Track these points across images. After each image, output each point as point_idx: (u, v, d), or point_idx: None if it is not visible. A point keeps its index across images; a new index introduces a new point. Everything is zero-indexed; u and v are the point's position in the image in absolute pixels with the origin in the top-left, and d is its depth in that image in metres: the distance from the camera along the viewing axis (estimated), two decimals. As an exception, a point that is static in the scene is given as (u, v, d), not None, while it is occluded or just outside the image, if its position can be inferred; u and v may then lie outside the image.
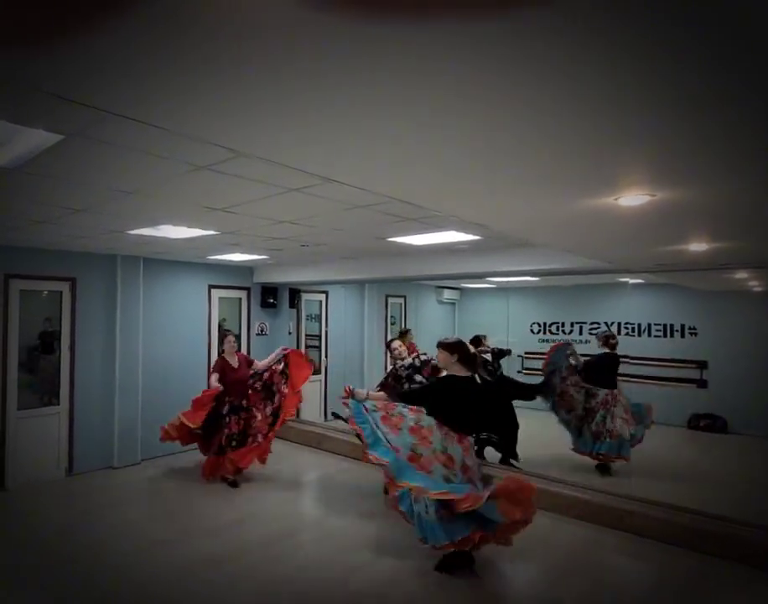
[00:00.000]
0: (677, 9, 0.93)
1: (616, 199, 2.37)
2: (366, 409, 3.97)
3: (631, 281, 7.64)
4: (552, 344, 7.11)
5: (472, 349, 5.88)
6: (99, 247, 5.84)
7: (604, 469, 6.04)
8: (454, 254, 5.79)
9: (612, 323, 8.59)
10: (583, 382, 6.19)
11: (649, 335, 8.48)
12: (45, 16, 1.04)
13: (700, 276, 6.22)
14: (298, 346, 8.46)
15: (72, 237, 5.11)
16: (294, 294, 8.49)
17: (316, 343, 9.04)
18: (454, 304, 10.80)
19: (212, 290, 7.73)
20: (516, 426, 6.09)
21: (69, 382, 6.25)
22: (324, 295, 9.05)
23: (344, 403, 4.08)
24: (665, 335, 8.36)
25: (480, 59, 1.13)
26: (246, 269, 8.12)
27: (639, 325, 8.53)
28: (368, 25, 1.00)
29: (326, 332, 9.07)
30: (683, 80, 1.21)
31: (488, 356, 6.84)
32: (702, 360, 7.92)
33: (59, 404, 6.19)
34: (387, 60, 1.16)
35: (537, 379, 6.57)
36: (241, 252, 6.32)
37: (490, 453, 6.01)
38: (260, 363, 6.15)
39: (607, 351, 6.26)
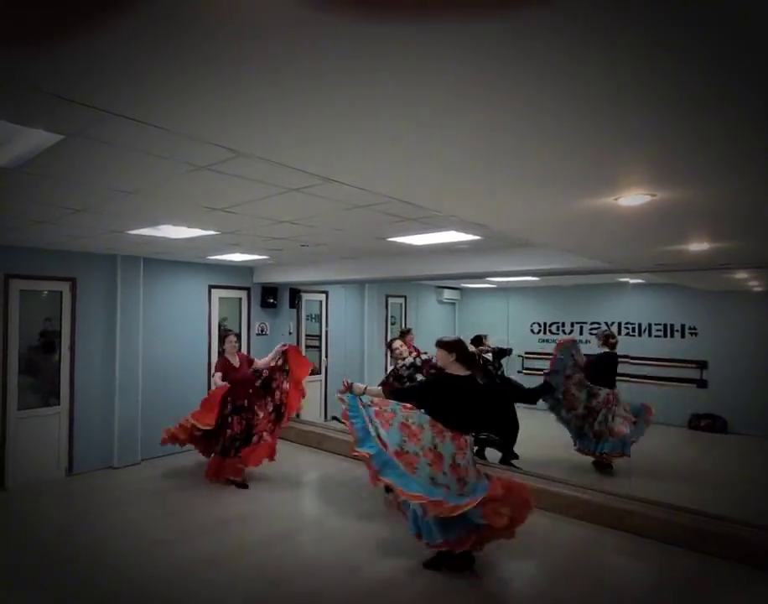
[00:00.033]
0: (677, 9, 0.93)
1: (616, 199, 2.37)
2: (362, 404, 3.98)
3: (632, 281, 7.63)
4: (558, 339, 7.05)
5: (472, 349, 5.89)
6: (99, 247, 5.84)
7: (603, 467, 6.03)
8: (454, 254, 5.79)
9: (612, 323, 8.57)
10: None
11: (649, 335, 8.47)
12: (45, 16, 1.04)
13: (700, 276, 6.21)
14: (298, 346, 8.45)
15: (72, 237, 5.11)
16: (294, 294, 8.49)
17: (316, 343, 9.03)
18: (454, 304, 10.80)
19: (212, 290, 7.73)
20: (516, 427, 6.09)
21: (69, 382, 6.25)
22: (324, 295, 9.04)
23: (339, 399, 4.07)
24: (665, 335, 8.35)
25: (480, 59, 1.13)
26: (246, 269, 8.12)
27: (639, 325, 8.51)
28: (368, 25, 1.00)
29: (326, 332, 9.07)
30: (683, 80, 1.21)
31: (489, 356, 6.84)
32: (702, 360, 7.91)
33: (59, 404, 6.19)
34: (387, 60, 1.15)
35: (537, 379, 6.56)
36: (241, 252, 6.32)
37: (491, 453, 6.01)
38: (260, 362, 6.15)
39: (607, 350, 6.26)
